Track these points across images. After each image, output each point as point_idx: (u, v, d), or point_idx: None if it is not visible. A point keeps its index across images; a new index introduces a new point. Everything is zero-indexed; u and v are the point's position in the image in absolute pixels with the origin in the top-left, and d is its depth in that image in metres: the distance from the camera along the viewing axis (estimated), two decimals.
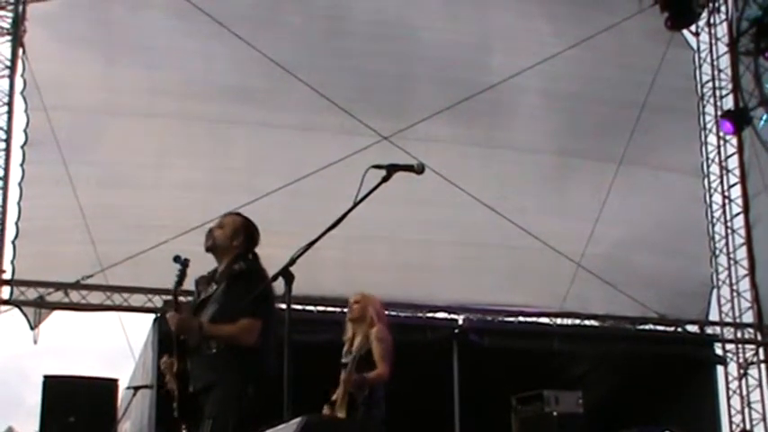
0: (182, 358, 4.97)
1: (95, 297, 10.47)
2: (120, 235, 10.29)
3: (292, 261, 4.62)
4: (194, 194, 10.44)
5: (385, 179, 4.55)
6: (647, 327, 12.03)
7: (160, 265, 10.32)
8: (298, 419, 3.28)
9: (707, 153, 12.66)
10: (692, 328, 12.20)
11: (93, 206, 10.22)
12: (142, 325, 10.72)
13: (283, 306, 4.53)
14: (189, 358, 4.96)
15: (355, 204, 4.51)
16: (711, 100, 12.72)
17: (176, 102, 10.51)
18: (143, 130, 10.42)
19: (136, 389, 8.99)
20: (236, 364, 4.76)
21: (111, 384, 9.92)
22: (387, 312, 10.98)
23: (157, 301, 10.48)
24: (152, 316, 10.39)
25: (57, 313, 10.56)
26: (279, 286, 4.69)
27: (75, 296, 10.42)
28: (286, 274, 4.65)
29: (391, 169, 4.56)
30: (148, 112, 10.38)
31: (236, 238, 5.27)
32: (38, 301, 10.36)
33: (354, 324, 6.74)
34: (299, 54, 10.70)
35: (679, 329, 12.21)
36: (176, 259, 5.15)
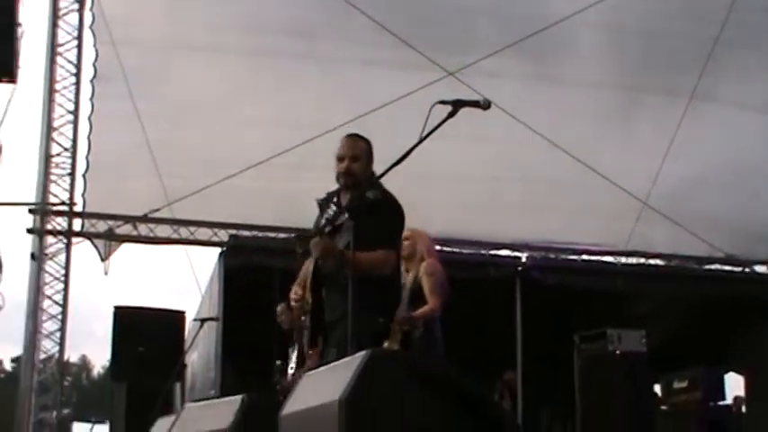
0: (318, 288, 4.92)
1: (163, 230, 10.64)
2: (186, 170, 10.40)
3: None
4: (260, 130, 10.48)
5: (451, 115, 4.52)
6: (713, 267, 11.87)
7: (226, 200, 10.52)
8: (362, 353, 3.31)
9: None
10: (761, 269, 12.01)
11: (161, 141, 10.34)
12: (208, 259, 10.92)
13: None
14: (324, 288, 4.91)
15: (421, 140, 4.49)
16: None
17: (242, 36, 10.49)
18: (210, 66, 10.43)
19: (202, 321, 9.12)
20: (369, 294, 4.65)
21: (179, 316, 10.13)
22: (450, 249, 11.10)
23: (223, 235, 10.62)
24: (218, 250, 10.55)
25: (126, 246, 10.77)
26: None
27: (143, 229, 10.60)
28: (352, 209, 4.70)
29: (457, 105, 4.53)
30: (215, 47, 10.38)
31: (370, 165, 5.12)
32: (107, 233, 10.56)
33: (406, 262, 6.65)
34: None
35: (747, 270, 12.03)
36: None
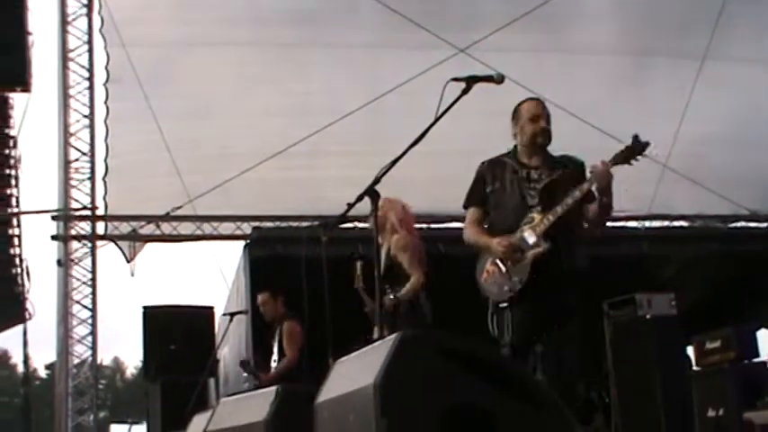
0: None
1: (186, 228, 10.69)
2: (204, 165, 10.44)
3: (377, 180, 4.64)
4: (274, 120, 10.50)
5: (465, 91, 4.51)
6: (738, 225, 11.79)
7: (246, 193, 10.55)
8: (393, 336, 3.31)
9: None
10: None
11: (177, 139, 10.37)
12: (233, 253, 10.96)
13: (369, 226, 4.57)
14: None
15: (437, 119, 4.48)
16: None
17: (250, 28, 10.50)
18: (220, 60, 10.46)
19: (232, 315, 9.16)
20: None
21: (208, 312, 10.18)
22: (462, 223, 11.04)
23: (246, 228, 10.65)
24: (242, 243, 10.59)
25: (150, 246, 10.84)
26: (365, 206, 4.70)
27: (166, 228, 10.66)
28: (372, 192, 4.68)
29: (470, 81, 4.52)
30: (223, 40, 10.39)
31: None
32: (131, 234, 10.61)
33: (381, 235, 6.45)
34: None
35: None
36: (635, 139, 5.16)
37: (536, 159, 5.04)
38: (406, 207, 6.65)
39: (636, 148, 5.08)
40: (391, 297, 6.32)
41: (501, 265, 4.92)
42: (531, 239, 4.85)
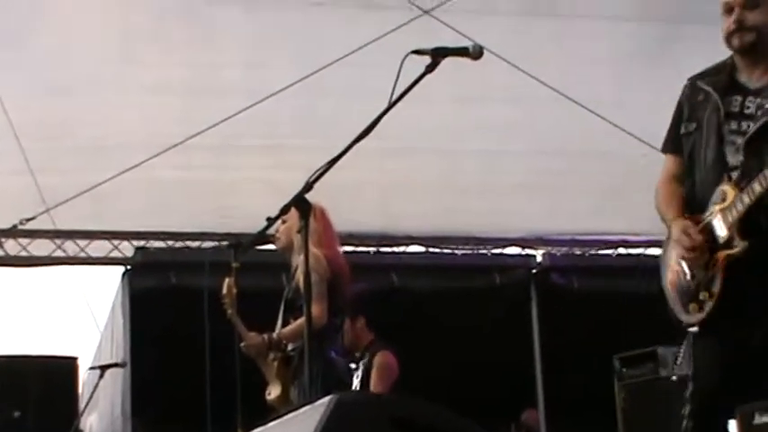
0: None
1: (41, 247, 10.60)
2: (70, 161, 10.34)
3: (308, 186, 4.70)
4: (169, 100, 10.44)
5: (430, 68, 4.57)
6: None
7: (127, 200, 10.50)
8: (326, 399, 3.34)
9: None
10: None
11: (30, 122, 10.25)
12: (107, 282, 10.90)
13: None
14: None
15: (391, 105, 4.54)
16: None
17: None
18: (95, 11, 10.35)
19: (103, 368, 9.14)
20: None
21: (69, 364, 10.08)
22: (439, 250, 11.13)
23: (126, 248, 10.59)
24: (120, 269, 10.54)
25: None
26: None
27: (11, 247, 10.55)
28: (301, 203, 4.72)
29: (438, 54, 4.58)
30: None
31: None
32: None
33: (290, 256, 6.61)
34: None
35: None
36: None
37: (748, 76, 4.58)
38: (324, 213, 6.61)
39: None
40: (264, 337, 6.43)
41: (685, 266, 4.59)
42: (722, 232, 4.41)
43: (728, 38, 4.60)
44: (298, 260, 6.41)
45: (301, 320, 5.82)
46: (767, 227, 4.30)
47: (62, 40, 10.29)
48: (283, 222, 6.50)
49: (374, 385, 7.97)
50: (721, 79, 4.65)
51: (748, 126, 4.41)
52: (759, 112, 4.41)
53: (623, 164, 11.10)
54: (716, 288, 4.38)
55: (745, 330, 4.43)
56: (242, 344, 6.64)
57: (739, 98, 4.52)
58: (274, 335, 6.56)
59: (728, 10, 4.60)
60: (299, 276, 6.18)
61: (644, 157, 10.90)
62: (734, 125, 4.46)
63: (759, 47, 4.52)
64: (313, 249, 5.84)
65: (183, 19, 10.47)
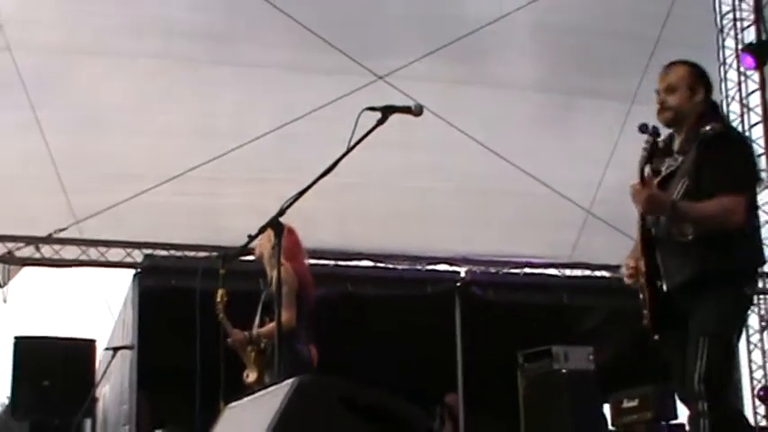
0: (648, 252, 4.49)
1: (69, 252, 10.46)
2: (95, 185, 10.25)
3: (282, 211, 4.65)
4: (175, 141, 10.39)
5: (380, 122, 4.56)
6: None
7: (139, 217, 10.40)
8: (290, 381, 3.29)
9: (726, 90, 12.59)
10: None
11: (66, 154, 10.15)
12: (121, 281, 10.76)
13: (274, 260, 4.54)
14: (657, 250, 4.47)
15: (349, 149, 4.52)
16: (732, 32, 12.62)
17: (152, 40, 10.41)
18: (119, 72, 10.32)
19: (115, 350, 9.01)
20: (720, 254, 4.24)
21: (89, 345, 9.94)
22: (383, 265, 11.10)
23: (137, 255, 10.48)
24: (132, 272, 10.41)
25: (27, 270, 10.57)
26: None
27: (47, 251, 10.40)
28: (276, 224, 4.67)
29: (387, 111, 4.57)
30: (125, 51, 10.28)
31: (697, 94, 4.58)
32: (6, 256, 10.35)
33: (268, 266, 6.46)
34: None
35: None
36: (643, 128, 4.54)
37: (677, 144, 4.59)
38: (293, 232, 6.46)
39: (653, 139, 4.53)
40: (246, 334, 6.36)
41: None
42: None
43: (658, 115, 4.65)
44: (272, 272, 6.33)
45: (274, 324, 5.76)
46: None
47: (92, 91, 10.26)
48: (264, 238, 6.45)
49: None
50: (668, 143, 4.66)
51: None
52: (671, 168, 4.51)
53: (530, 201, 11.14)
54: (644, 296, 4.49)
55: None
56: (228, 339, 6.55)
57: (667, 160, 4.57)
58: (253, 332, 6.48)
59: (657, 93, 4.66)
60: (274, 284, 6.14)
61: (546, 197, 10.99)
62: (673, 162, 4.52)
63: (678, 121, 4.58)
64: (284, 263, 5.80)
65: (186, 78, 10.48)
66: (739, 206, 4.25)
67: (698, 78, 4.63)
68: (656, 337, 4.52)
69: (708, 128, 4.40)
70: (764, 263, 4.55)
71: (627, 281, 4.68)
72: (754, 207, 4.46)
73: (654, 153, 4.48)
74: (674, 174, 4.45)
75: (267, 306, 6.45)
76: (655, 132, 4.48)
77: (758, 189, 4.54)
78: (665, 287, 4.42)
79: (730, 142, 4.42)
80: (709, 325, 4.23)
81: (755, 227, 4.47)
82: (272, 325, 6.18)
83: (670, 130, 4.64)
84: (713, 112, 4.60)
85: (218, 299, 6.61)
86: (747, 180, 4.38)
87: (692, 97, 4.56)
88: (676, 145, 4.56)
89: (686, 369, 4.26)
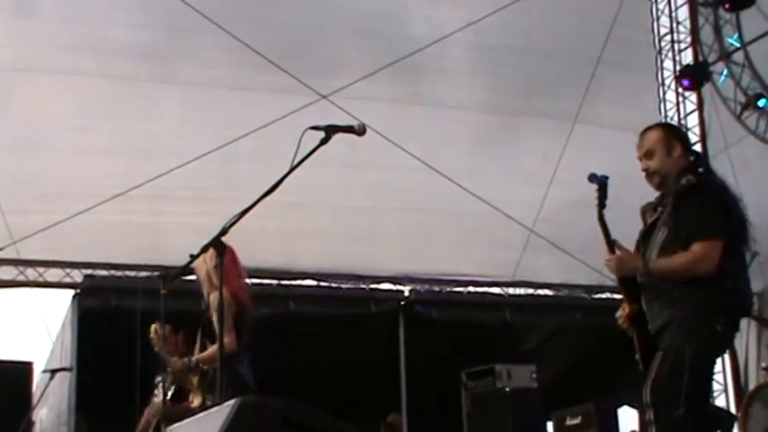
0: (633, 299, 4.69)
1: (6, 272, 10.32)
2: (33, 204, 10.13)
3: (224, 231, 4.63)
4: (115, 160, 10.31)
5: (324, 141, 4.56)
6: (603, 296, 12.17)
7: (79, 237, 10.27)
8: (232, 401, 3.27)
9: (665, 110, 12.79)
10: None
11: (3, 173, 10.04)
12: (60, 302, 10.62)
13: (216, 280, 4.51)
14: (643, 297, 4.67)
15: (292, 168, 4.51)
16: (670, 54, 12.85)
17: (95, 59, 10.32)
18: (58, 91, 10.21)
19: (53, 372, 8.88)
20: (698, 296, 4.42)
21: (26, 367, 9.78)
22: (327, 284, 11.09)
23: (76, 275, 10.37)
24: (71, 292, 10.29)
25: None
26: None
27: None
28: (218, 244, 4.64)
29: (330, 130, 4.57)
30: (64, 70, 10.17)
31: (674, 150, 4.75)
32: None
33: (208, 285, 6.25)
34: (228, 7, 10.56)
35: None
36: (592, 178, 4.74)
37: (666, 200, 4.77)
38: (232, 252, 6.39)
39: (602, 188, 4.75)
40: (184, 361, 6.29)
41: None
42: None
43: (648, 182, 4.83)
44: (209, 296, 6.18)
45: (214, 348, 5.84)
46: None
47: (31, 110, 10.16)
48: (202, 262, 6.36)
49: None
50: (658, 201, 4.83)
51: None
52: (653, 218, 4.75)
53: (473, 220, 11.20)
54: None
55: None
56: (167, 368, 6.44)
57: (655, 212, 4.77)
58: (193, 359, 6.36)
59: (639, 160, 4.83)
60: (212, 311, 6.03)
61: (489, 216, 11.06)
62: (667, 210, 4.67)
63: (665, 182, 4.73)
64: (226, 287, 5.41)
65: (127, 96, 10.41)
66: (712, 252, 4.43)
67: (672, 137, 4.82)
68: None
69: (684, 180, 4.61)
70: (746, 305, 4.77)
71: (623, 324, 4.83)
72: (735, 252, 4.54)
73: (604, 201, 4.72)
74: (657, 222, 4.68)
75: (206, 329, 6.36)
76: (603, 181, 4.70)
77: (743, 235, 4.60)
78: (650, 329, 4.62)
79: (702, 191, 4.57)
80: (670, 342, 4.45)
81: (735, 272, 4.54)
82: (212, 349, 6.09)
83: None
84: (694, 164, 4.77)
85: (152, 334, 6.55)
86: (720, 225, 4.50)
87: (669, 155, 4.73)
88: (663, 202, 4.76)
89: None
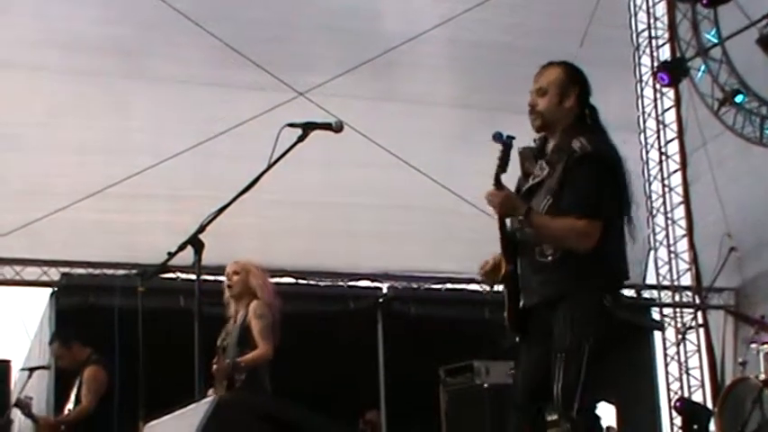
0: (510, 258, 4.39)
1: None
2: (8, 203, 10.11)
3: (201, 228, 4.65)
4: (91, 157, 10.30)
5: (301, 138, 4.60)
6: None
7: (56, 236, 10.26)
8: (209, 398, 3.30)
9: (643, 107, 12.88)
10: (629, 293, 12.37)
11: None
12: (37, 300, 10.60)
13: (193, 277, 4.54)
14: (520, 260, 4.37)
15: (269, 166, 4.55)
16: (647, 50, 12.92)
17: (68, 54, 10.30)
18: (33, 87, 10.19)
19: (31, 370, 8.88)
20: (580, 274, 4.16)
21: (4, 365, 9.79)
22: (305, 282, 11.10)
23: (54, 273, 10.36)
24: (48, 290, 10.28)
25: None
26: (188, 256, 4.67)
27: None
28: (195, 242, 4.67)
29: (307, 128, 4.62)
30: (38, 66, 10.16)
31: (567, 98, 4.40)
32: None
33: (236, 301, 6.61)
34: (202, 2, 10.56)
35: None
36: (497, 137, 4.41)
37: (550, 147, 4.47)
38: (265, 271, 6.74)
39: (506, 149, 4.41)
40: (228, 361, 6.32)
41: None
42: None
43: (529, 115, 4.55)
44: (240, 308, 6.53)
45: (256, 352, 6.29)
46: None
47: (5, 106, 10.13)
48: (236, 274, 6.56)
49: (84, 395, 7.97)
50: (539, 143, 4.56)
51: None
52: (537, 179, 4.41)
53: (451, 216, 11.24)
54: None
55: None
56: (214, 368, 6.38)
57: (537, 166, 4.46)
58: (237, 360, 6.27)
59: (530, 94, 4.53)
60: (251, 320, 6.40)
61: (467, 213, 11.09)
62: (541, 172, 4.40)
63: (548, 128, 4.46)
64: (262, 299, 6.48)
65: (101, 93, 10.40)
66: (592, 230, 4.15)
67: (570, 82, 4.42)
68: (518, 339, 4.62)
69: (577, 145, 4.24)
70: (623, 280, 4.50)
71: (479, 274, 4.69)
72: (615, 230, 4.28)
73: (506, 163, 4.37)
74: (541, 185, 4.36)
75: (241, 338, 6.44)
76: (508, 141, 4.37)
77: (629, 211, 4.33)
78: (521, 302, 4.41)
79: (595, 163, 4.21)
80: (566, 340, 4.23)
81: (617, 250, 4.32)
82: (255, 353, 6.32)
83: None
84: (584, 121, 4.40)
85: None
86: (604, 206, 4.21)
87: (561, 103, 4.39)
88: (549, 149, 4.43)
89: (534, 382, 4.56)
